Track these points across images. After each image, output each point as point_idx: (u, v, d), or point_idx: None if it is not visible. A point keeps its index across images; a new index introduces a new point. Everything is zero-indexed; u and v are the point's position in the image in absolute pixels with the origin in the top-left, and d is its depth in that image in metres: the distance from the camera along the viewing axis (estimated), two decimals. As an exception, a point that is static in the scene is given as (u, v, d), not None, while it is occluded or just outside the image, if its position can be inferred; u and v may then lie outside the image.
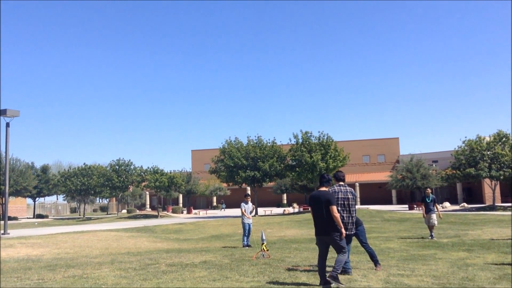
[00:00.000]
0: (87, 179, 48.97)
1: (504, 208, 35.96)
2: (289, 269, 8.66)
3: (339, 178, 8.14)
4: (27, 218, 56.03)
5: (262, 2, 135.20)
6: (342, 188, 7.98)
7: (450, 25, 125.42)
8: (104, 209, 70.34)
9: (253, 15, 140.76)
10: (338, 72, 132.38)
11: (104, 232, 23.23)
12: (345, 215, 7.79)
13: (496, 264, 9.02)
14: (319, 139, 38.50)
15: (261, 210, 44.95)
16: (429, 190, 16.03)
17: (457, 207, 42.86)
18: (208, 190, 58.91)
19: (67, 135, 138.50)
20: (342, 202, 7.83)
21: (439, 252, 11.25)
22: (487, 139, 38.23)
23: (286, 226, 25.17)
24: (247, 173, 39.63)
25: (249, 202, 14.72)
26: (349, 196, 7.90)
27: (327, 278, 6.77)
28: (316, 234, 7.18)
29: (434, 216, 15.42)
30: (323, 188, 7.26)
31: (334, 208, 6.92)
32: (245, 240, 14.32)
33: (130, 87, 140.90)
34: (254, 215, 33.86)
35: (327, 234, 6.97)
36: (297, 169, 38.17)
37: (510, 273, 7.97)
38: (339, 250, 6.97)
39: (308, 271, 8.42)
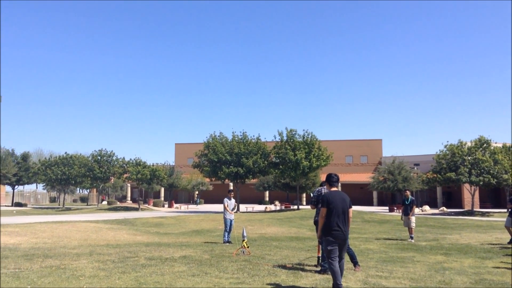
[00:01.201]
0: (68, 168, 48.40)
1: (482, 214, 36.52)
2: (268, 267, 8.66)
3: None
4: (5, 206, 55.13)
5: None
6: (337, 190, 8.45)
7: (437, 27, 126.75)
8: (84, 199, 69.63)
9: (244, 10, 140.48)
10: (325, 72, 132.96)
11: (83, 223, 23.01)
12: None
13: (473, 269, 9.15)
14: (304, 138, 38.58)
15: (242, 207, 44.95)
16: (408, 193, 16.18)
17: (436, 211, 43.40)
18: (190, 185, 58.65)
19: (50, 123, 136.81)
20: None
21: (417, 255, 11.37)
22: (468, 144, 38.68)
23: (267, 224, 25.22)
24: (231, 168, 39.55)
25: (232, 198, 14.70)
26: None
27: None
28: (333, 237, 6.59)
29: (412, 218, 15.59)
30: (335, 188, 7.06)
31: (352, 210, 6.90)
32: (226, 236, 14.29)
33: (116, 77, 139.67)
34: (236, 212, 33.84)
35: (346, 237, 6.66)
36: (280, 166, 38.23)
37: (486, 278, 8.09)
38: (344, 254, 6.76)
39: (288, 269, 8.44)
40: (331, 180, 7.11)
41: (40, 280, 7.24)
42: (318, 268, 8.37)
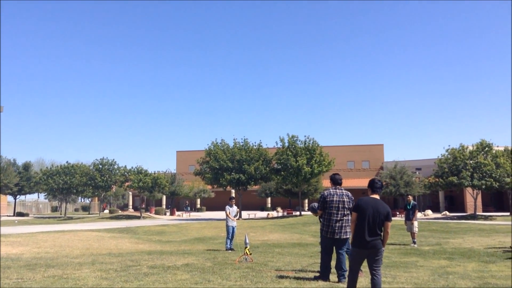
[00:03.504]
0: (70, 177, 48.43)
1: (485, 217, 36.41)
2: (271, 274, 8.63)
3: (336, 181, 8.16)
4: (7, 216, 55.15)
5: (251, 3, 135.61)
6: (338, 191, 7.99)
7: (438, 30, 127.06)
8: (86, 208, 69.60)
9: (243, 17, 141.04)
10: (326, 77, 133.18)
11: (85, 232, 22.98)
12: (338, 218, 7.80)
13: (476, 273, 9.12)
14: (305, 144, 38.60)
15: (245, 214, 44.89)
16: (410, 197, 16.16)
17: (439, 215, 43.30)
18: (192, 192, 58.64)
19: (51, 132, 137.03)
20: (337, 205, 7.83)
21: (421, 260, 11.34)
22: (470, 148, 38.64)
23: (270, 230, 25.17)
24: (232, 175, 39.56)
25: (234, 205, 14.70)
26: (345, 199, 7.90)
27: None
28: (358, 246, 6.26)
29: (415, 223, 15.55)
30: (376, 196, 6.46)
31: (390, 224, 6.32)
32: (228, 243, 14.28)
33: (116, 85, 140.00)
34: (238, 219, 33.84)
35: (377, 247, 6.18)
36: (282, 173, 38.22)
37: (490, 282, 8.06)
38: (380, 264, 6.26)
39: (291, 276, 8.40)
40: (374, 186, 6.53)
41: (43, 290, 7.21)
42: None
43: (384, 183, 44.92)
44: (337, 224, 7.78)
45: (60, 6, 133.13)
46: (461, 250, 13.66)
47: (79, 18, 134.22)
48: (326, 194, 7.98)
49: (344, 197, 7.91)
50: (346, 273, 7.80)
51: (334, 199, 7.87)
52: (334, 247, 8.00)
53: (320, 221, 8.20)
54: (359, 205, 6.37)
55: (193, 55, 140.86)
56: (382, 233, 6.26)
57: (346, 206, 7.85)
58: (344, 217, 7.81)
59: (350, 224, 7.78)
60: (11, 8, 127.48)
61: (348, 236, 7.84)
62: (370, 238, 6.18)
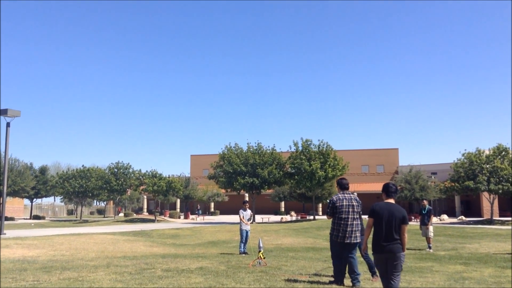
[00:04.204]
0: (85, 181, 48.85)
1: (502, 222, 35.91)
2: (285, 278, 8.62)
3: (343, 185, 8.11)
4: (24, 218, 55.89)
5: (262, 6, 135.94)
6: (346, 195, 7.97)
7: (451, 35, 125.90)
8: (101, 212, 70.17)
9: (255, 20, 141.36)
10: (339, 81, 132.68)
11: (100, 235, 23.15)
12: (349, 222, 7.76)
13: (493, 278, 8.99)
14: (319, 148, 38.51)
15: (258, 218, 44.82)
16: (425, 202, 16.02)
17: (455, 220, 42.79)
18: (206, 196, 58.78)
19: (67, 136, 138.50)
20: (347, 210, 7.80)
21: (436, 265, 11.22)
22: (487, 152, 38.15)
23: (283, 234, 25.13)
24: (246, 179, 39.58)
25: (248, 209, 14.74)
26: (354, 203, 7.88)
27: None
28: (376, 251, 6.26)
29: (430, 228, 15.40)
30: (391, 200, 6.44)
31: (407, 228, 6.29)
32: (242, 247, 14.30)
33: (131, 89, 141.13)
34: (252, 222, 33.82)
35: (394, 251, 6.13)
36: (296, 177, 38.13)
37: (507, 287, 7.95)
38: (399, 270, 6.20)
39: (305, 280, 8.38)
40: (389, 190, 6.50)
41: (59, 292, 7.29)
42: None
43: (399, 187, 44.65)
44: (348, 229, 7.75)
45: (82, 9, 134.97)
46: (478, 255, 13.49)
47: (100, 24, 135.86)
48: (335, 199, 7.96)
49: (353, 201, 7.91)
50: (360, 276, 7.80)
51: (344, 203, 7.85)
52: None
53: None
54: (375, 211, 6.34)
55: (207, 60, 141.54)
56: (400, 237, 6.19)
57: (355, 210, 7.86)
58: (354, 221, 7.81)
59: (360, 228, 7.86)
60: (30, 11, 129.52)
61: (358, 241, 7.82)
62: (385, 243, 6.15)
